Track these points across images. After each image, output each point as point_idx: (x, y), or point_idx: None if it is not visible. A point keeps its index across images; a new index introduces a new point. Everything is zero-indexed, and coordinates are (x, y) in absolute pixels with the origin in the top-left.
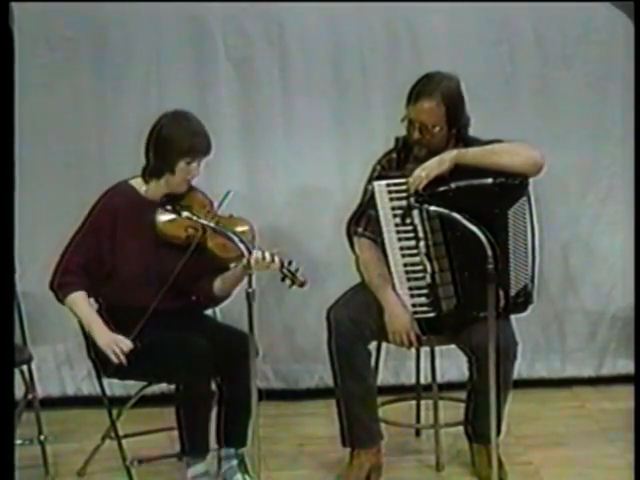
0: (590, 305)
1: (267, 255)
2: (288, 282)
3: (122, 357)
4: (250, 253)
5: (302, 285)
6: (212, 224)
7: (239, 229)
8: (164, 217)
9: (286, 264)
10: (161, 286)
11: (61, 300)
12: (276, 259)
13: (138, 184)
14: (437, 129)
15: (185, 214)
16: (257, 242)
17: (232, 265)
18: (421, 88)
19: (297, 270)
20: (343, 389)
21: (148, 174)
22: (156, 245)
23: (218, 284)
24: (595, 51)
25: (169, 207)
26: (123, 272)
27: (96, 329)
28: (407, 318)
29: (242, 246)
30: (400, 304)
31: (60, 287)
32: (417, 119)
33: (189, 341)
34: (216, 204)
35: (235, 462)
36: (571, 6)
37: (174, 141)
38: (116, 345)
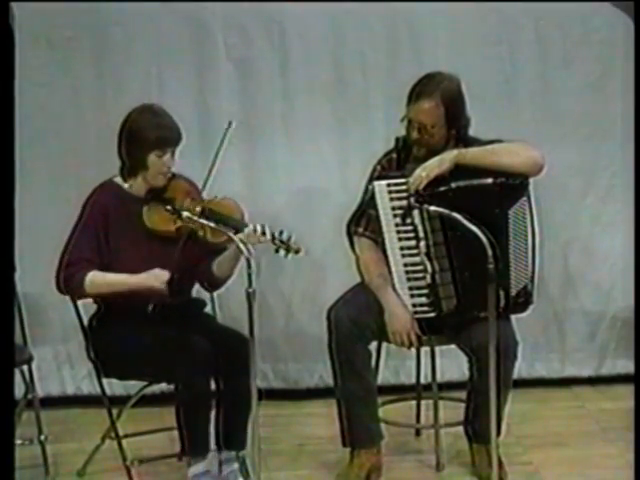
0: (590, 305)
1: (258, 228)
2: (282, 252)
3: (164, 286)
4: (239, 232)
5: (297, 252)
6: (201, 220)
7: (226, 210)
8: (151, 214)
9: (277, 234)
10: None
11: (78, 292)
12: (267, 231)
13: (122, 181)
14: (436, 129)
15: (168, 208)
16: (246, 217)
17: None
18: (421, 88)
19: (289, 238)
20: (343, 389)
21: (126, 173)
22: (149, 240)
23: (217, 266)
24: (595, 51)
25: (151, 201)
26: (120, 269)
27: (131, 281)
28: (407, 318)
29: (231, 229)
30: (400, 304)
31: (69, 281)
32: (416, 119)
33: (189, 341)
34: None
35: (236, 466)
36: (571, 6)
37: (141, 135)
38: (156, 278)
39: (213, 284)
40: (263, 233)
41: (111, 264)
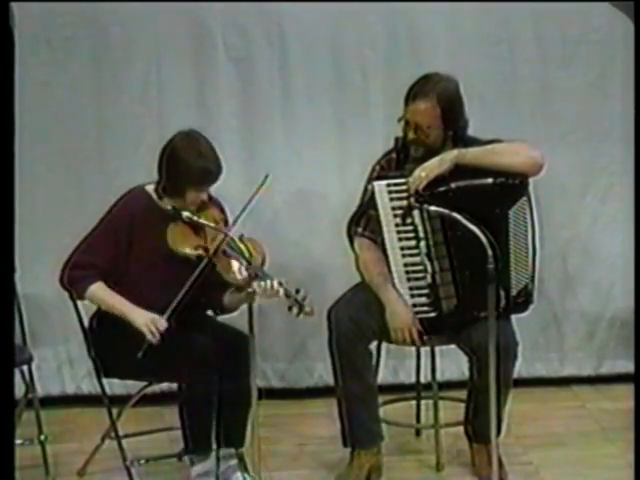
0: (589, 305)
1: (275, 284)
2: (295, 310)
3: (157, 336)
4: (257, 277)
5: (309, 314)
6: (224, 256)
7: (250, 252)
8: (175, 235)
9: (293, 293)
10: (169, 295)
11: (79, 295)
12: (282, 289)
13: (153, 191)
14: (431, 130)
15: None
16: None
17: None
18: (418, 89)
19: (304, 299)
20: (344, 389)
21: (160, 190)
22: (168, 258)
23: (228, 298)
24: (595, 51)
25: (178, 220)
26: (134, 278)
27: (130, 312)
28: (409, 315)
29: (246, 274)
30: (401, 302)
31: (73, 282)
32: (412, 119)
33: (191, 340)
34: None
35: (234, 461)
36: (571, 6)
37: (183, 169)
38: (153, 324)
39: (222, 312)
40: (278, 290)
41: (127, 275)
